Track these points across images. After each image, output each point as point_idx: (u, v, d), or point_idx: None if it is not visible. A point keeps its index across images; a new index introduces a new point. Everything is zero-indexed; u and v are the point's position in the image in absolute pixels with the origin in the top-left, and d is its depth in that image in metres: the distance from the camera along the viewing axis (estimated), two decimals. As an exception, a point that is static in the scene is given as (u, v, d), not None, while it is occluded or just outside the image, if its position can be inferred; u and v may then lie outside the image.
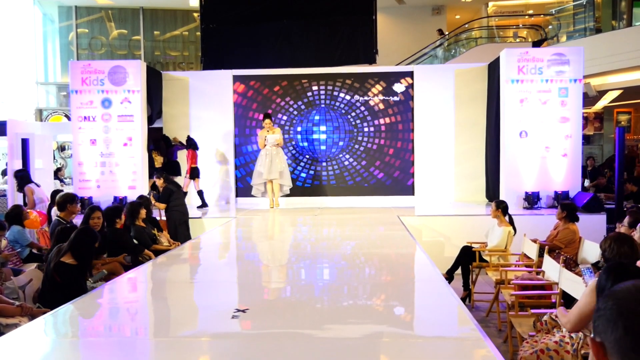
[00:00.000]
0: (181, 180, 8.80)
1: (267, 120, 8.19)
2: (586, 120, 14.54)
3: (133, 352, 2.54)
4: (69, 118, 12.27)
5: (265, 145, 8.26)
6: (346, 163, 9.85)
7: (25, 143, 8.82)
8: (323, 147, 9.88)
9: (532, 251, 5.46)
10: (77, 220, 6.01)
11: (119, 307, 3.42)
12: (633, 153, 14.15)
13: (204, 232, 6.99)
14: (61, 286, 3.80)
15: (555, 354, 2.96)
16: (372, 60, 10.47)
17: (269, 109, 8.75)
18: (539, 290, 4.49)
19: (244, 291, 3.76)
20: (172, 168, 8.97)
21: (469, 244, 6.20)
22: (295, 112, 9.85)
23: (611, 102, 13.98)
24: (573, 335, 2.99)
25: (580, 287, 3.78)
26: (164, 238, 6.23)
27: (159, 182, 7.59)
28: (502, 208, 6.12)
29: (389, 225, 6.92)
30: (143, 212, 6.04)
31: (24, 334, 2.70)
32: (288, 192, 8.68)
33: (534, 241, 5.60)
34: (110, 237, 5.45)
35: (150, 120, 9.33)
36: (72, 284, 3.80)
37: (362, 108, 9.84)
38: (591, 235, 7.11)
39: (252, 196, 8.99)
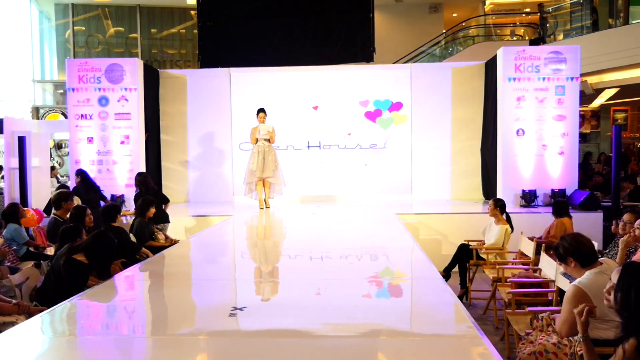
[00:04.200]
0: None
1: (261, 114, 8.06)
2: (583, 118, 14.58)
3: (130, 351, 2.54)
4: (65, 116, 12.24)
5: (257, 140, 8.06)
6: (344, 160, 9.83)
7: (22, 141, 8.78)
8: (320, 145, 9.87)
9: (529, 249, 5.48)
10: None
11: (116, 305, 3.42)
12: (629, 151, 14.19)
13: (202, 230, 6.98)
14: (65, 283, 3.78)
15: (553, 357, 2.95)
16: (369, 59, 10.45)
17: (264, 106, 8.70)
18: (536, 288, 4.51)
19: (241, 289, 3.76)
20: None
21: (466, 242, 6.21)
22: (292, 110, 9.83)
23: (608, 100, 14.02)
24: (572, 338, 2.99)
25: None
26: (162, 235, 6.23)
27: None
28: (499, 206, 6.14)
29: (387, 223, 6.93)
30: (152, 210, 6.08)
31: (20, 332, 2.70)
32: (282, 193, 8.47)
33: (531, 239, 5.61)
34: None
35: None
36: (79, 281, 3.78)
37: (360, 105, 9.82)
38: (588, 233, 7.11)
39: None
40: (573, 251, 3.13)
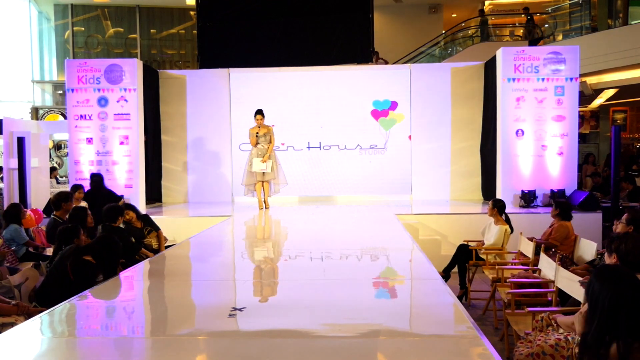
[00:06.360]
0: None
1: (259, 116, 8.08)
2: (582, 118, 14.59)
3: (130, 351, 2.53)
4: (65, 116, 12.24)
5: (257, 143, 8.07)
6: (343, 161, 9.83)
7: (21, 142, 8.78)
8: (319, 145, 9.87)
9: (529, 249, 5.48)
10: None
11: (116, 305, 3.42)
12: (629, 152, 14.20)
13: (201, 231, 6.97)
14: (75, 284, 3.78)
15: (550, 359, 2.95)
16: (368, 59, 10.46)
17: (263, 107, 8.71)
18: (535, 289, 4.50)
19: (240, 289, 3.76)
20: None
21: (466, 242, 6.21)
22: (291, 111, 9.83)
23: (607, 100, 14.03)
24: (569, 338, 2.98)
25: (576, 286, 3.79)
26: (154, 240, 6.12)
27: None
28: (498, 207, 6.13)
29: (386, 223, 6.93)
30: (131, 214, 5.99)
31: (20, 333, 2.70)
32: (279, 192, 8.47)
33: (530, 239, 5.61)
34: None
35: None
36: (90, 280, 3.79)
37: (359, 106, 9.82)
38: (587, 233, 7.14)
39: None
40: (625, 253, 3.13)
